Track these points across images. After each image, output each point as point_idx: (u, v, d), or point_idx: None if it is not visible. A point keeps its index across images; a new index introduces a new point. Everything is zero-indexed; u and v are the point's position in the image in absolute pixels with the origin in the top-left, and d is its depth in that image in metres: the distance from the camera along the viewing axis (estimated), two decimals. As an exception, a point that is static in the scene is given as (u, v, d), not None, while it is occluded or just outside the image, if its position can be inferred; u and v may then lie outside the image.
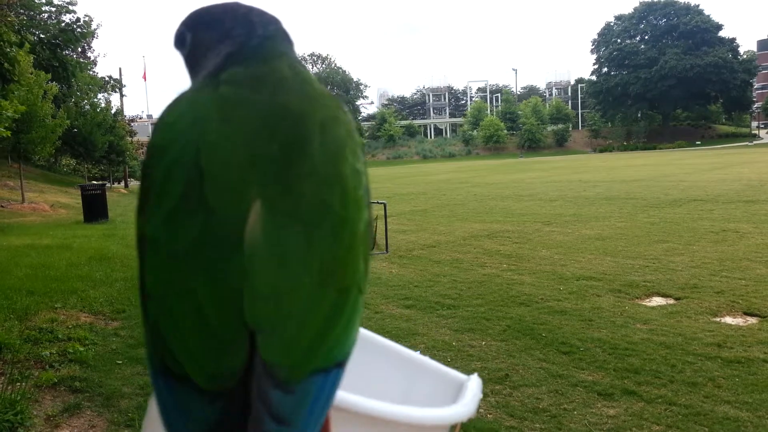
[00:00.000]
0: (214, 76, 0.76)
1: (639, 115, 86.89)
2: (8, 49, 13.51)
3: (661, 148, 71.52)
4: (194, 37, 0.84)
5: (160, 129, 0.71)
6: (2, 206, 18.86)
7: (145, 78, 61.49)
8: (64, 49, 33.41)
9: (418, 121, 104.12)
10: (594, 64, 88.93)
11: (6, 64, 13.83)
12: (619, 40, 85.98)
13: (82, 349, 5.11)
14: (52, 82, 25.93)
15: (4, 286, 7.02)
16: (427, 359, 1.09)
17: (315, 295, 0.62)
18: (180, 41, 0.87)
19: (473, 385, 0.97)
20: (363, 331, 1.05)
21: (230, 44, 0.80)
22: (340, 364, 0.64)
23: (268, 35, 0.81)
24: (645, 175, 26.52)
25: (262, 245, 0.62)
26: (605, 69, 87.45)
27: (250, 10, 0.83)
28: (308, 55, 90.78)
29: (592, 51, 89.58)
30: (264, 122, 0.68)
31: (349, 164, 0.68)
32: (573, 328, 5.59)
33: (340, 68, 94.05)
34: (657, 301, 6.50)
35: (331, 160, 0.67)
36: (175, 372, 0.61)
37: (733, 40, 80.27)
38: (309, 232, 0.64)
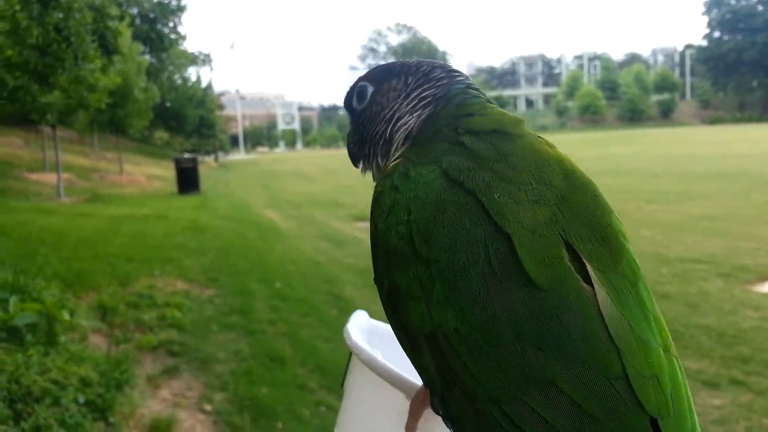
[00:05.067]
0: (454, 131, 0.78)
1: (754, 83, 79.70)
2: (110, 23, 14.15)
3: (779, 120, 65.58)
4: (379, 89, 0.89)
5: (428, 199, 0.70)
6: (102, 178, 19.96)
7: (232, 47, 62.99)
8: (160, 22, 34.81)
9: (508, 92, 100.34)
10: (705, 28, 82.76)
11: (110, 37, 14.50)
12: (733, 1, 79.30)
13: (179, 314, 5.28)
14: (149, 54, 27.12)
15: (107, 253, 7.38)
16: None
17: (671, 362, 0.65)
18: (360, 96, 0.91)
19: None
20: None
21: (431, 88, 0.85)
22: None
23: (460, 79, 0.87)
24: (760, 149, 24.52)
25: (619, 318, 0.63)
26: (717, 33, 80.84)
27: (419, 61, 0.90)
28: (394, 26, 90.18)
29: (703, 14, 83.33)
30: (560, 179, 0.72)
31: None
32: (677, 313, 5.26)
33: (426, 38, 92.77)
34: (771, 286, 6.03)
35: (609, 212, 0.74)
36: None
37: None
38: (637, 290, 0.68)
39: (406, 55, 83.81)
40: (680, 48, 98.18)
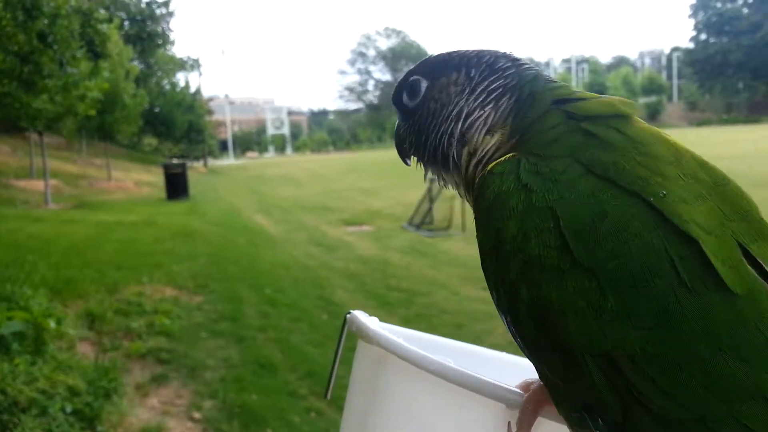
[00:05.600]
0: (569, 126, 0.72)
1: (740, 85, 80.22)
2: (99, 26, 14.08)
3: (764, 122, 66.27)
4: (435, 84, 0.83)
5: (588, 202, 0.64)
6: (90, 184, 19.83)
7: (223, 53, 63.04)
8: (149, 21, 34.78)
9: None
10: (692, 31, 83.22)
11: (98, 40, 14.43)
12: (719, 4, 79.75)
13: (168, 321, 5.25)
14: (142, 54, 26.97)
15: (95, 260, 7.32)
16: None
17: None
18: (413, 91, 0.85)
19: None
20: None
21: (499, 79, 0.80)
22: None
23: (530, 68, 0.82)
24: (747, 151, 24.70)
25: None
26: (703, 36, 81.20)
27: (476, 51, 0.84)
28: (383, 30, 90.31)
29: (689, 16, 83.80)
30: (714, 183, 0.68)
31: None
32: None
33: (415, 42, 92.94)
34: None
35: (755, 204, 0.70)
36: None
37: None
38: None
39: (395, 60, 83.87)
40: (667, 51, 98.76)
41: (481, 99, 0.80)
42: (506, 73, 0.80)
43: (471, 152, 0.80)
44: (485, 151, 0.78)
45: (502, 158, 0.73)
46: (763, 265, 0.61)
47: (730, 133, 43.77)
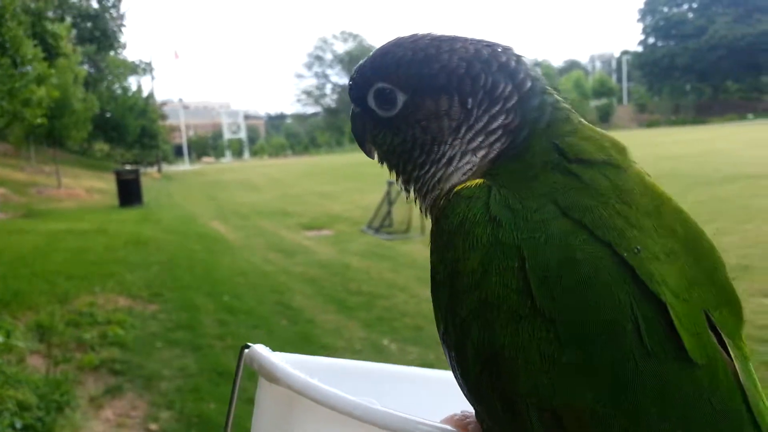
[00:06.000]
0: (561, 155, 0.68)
1: (687, 87, 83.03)
2: (50, 26, 13.70)
3: (711, 123, 68.57)
4: (419, 105, 0.74)
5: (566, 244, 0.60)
6: (39, 192, 19.22)
7: (177, 56, 62.30)
8: (99, 25, 34.05)
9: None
10: (640, 35, 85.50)
11: (50, 39, 14.03)
12: (665, 9, 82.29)
13: (121, 332, 5.14)
14: (88, 62, 26.29)
15: (45, 270, 7.11)
16: None
17: None
18: (385, 101, 0.76)
19: None
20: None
21: (500, 114, 0.72)
22: None
23: (537, 79, 0.75)
24: (693, 150, 25.51)
25: (752, 389, 0.60)
26: (651, 39, 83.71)
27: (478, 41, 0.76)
28: (339, 33, 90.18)
29: (638, 20, 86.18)
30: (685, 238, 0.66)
31: None
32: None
33: (372, 46, 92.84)
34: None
35: (723, 264, 0.68)
36: None
37: (789, 6, 77.04)
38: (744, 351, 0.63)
39: (352, 63, 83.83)
40: (617, 54, 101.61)
41: (478, 141, 0.72)
42: (508, 105, 0.71)
43: (445, 181, 0.74)
44: (459, 182, 0.73)
45: (473, 182, 0.68)
46: (722, 335, 0.60)
47: (678, 134, 45.34)
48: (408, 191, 0.80)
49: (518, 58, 0.74)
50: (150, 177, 31.23)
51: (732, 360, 0.59)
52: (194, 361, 4.71)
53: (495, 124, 0.71)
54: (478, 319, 0.60)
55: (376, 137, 0.79)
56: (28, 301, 5.69)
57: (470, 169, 0.72)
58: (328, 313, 5.99)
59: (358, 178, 21.75)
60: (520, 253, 0.59)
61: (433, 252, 0.68)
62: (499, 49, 0.74)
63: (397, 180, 0.81)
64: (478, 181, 0.68)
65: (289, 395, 0.73)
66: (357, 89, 0.79)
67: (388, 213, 11.40)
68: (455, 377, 0.67)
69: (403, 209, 11.03)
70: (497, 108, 0.71)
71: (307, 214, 14.11)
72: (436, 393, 0.88)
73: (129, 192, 17.29)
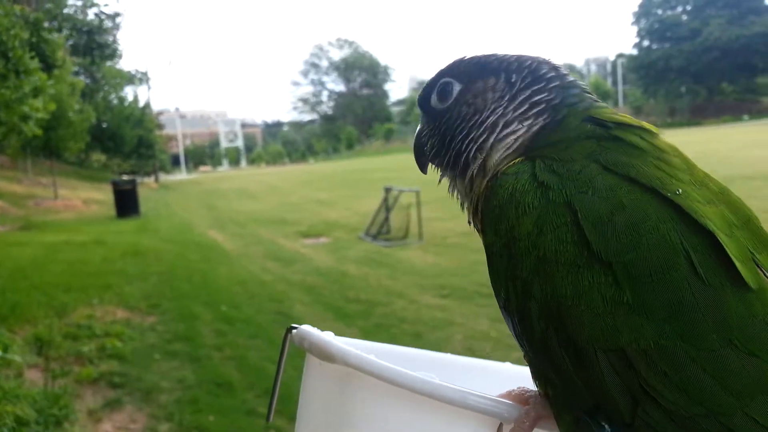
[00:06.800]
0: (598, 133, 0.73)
1: (682, 90, 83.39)
2: (48, 36, 13.68)
3: (706, 124, 68.83)
4: (469, 87, 0.80)
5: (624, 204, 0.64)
6: (37, 204, 19.20)
7: (170, 63, 62.12)
8: (97, 33, 34.13)
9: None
10: (635, 38, 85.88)
11: (48, 51, 14.01)
12: (659, 11, 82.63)
13: (119, 344, 5.13)
14: (85, 73, 26.30)
15: (43, 282, 7.10)
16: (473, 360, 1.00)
17: None
18: (443, 94, 0.82)
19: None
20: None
21: (543, 90, 0.77)
22: None
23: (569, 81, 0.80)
24: (689, 152, 25.34)
25: None
26: (646, 42, 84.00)
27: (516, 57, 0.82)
28: (335, 41, 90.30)
29: (632, 23, 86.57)
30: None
31: None
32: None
33: (367, 52, 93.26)
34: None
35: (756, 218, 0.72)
36: None
37: (783, 7, 77.18)
38: None
39: (348, 70, 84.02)
40: (612, 57, 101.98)
41: (521, 110, 0.77)
42: (551, 85, 0.78)
43: (487, 152, 0.78)
44: (499, 160, 0.77)
45: (514, 161, 0.73)
46: (765, 273, 0.63)
47: (674, 136, 44.65)
48: (453, 176, 0.84)
49: (564, 70, 0.82)
50: (147, 187, 31.22)
51: None
52: (192, 372, 4.70)
53: (538, 97, 0.77)
54: (538, 277, 0.64)
55: (431, 135, 0.85)
56: (26, 314, 5.68)
57: (513, 140, 0.77)
58: (326, 321, 5.98)
59: (355, 185, 21.77)
60: (571, 207, 0.63)
61: (486, 228, 0.72)
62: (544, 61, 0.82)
63: (443, 169, 0.85)
64: (519, 159, 0.73)
65: (344, 373, 0.72)
66: (426, 89, 0.85)
67: (386, 220, 11.41)
68: (520, 344, 0.70)
69: (401, 215, 11.04)
70: (540, 85, 0.78)
71: (304, 221, 14.12)
72: (484, 381, 0.88)
73: (126, 202, 17.27)
